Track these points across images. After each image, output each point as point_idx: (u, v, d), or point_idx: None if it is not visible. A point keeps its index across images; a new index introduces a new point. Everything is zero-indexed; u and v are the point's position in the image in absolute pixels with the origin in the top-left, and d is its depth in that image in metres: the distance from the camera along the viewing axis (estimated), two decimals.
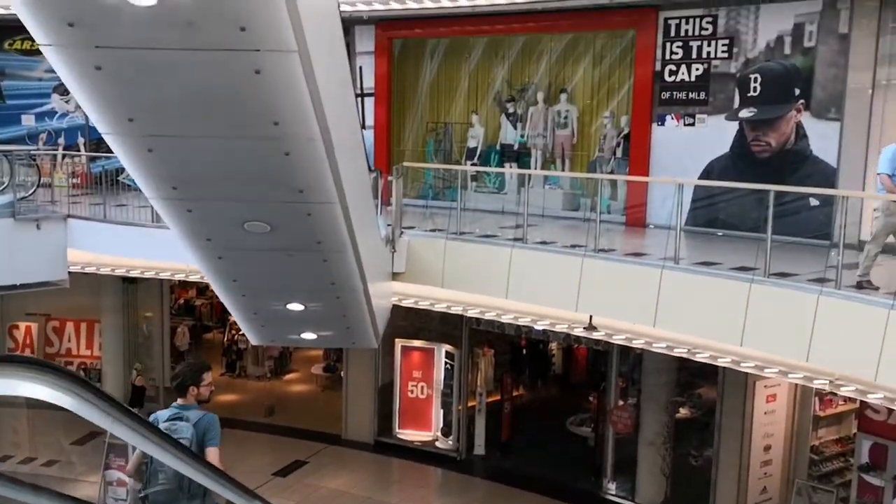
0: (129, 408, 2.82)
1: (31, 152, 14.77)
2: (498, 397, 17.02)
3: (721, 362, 10.30)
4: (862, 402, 11.83)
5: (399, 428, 17.08)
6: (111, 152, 5.27)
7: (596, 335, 11.16)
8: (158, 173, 5.49)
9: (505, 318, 12.33)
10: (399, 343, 16.86)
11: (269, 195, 5.84)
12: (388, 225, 10.85)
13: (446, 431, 16.67)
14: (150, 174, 5.52)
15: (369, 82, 15.01)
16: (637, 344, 11.14)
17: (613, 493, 14.72)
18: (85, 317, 19.16)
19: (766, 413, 13.14)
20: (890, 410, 11.41)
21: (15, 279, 12.09)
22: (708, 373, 13.94)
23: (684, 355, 10.59)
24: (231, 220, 6.24)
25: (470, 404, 16.55)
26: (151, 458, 5.50)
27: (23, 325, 19.27)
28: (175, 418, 5.96)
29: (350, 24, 14.21)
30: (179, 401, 6.15)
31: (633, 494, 14.41)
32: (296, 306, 8.12)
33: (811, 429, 13.47)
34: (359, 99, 14.81)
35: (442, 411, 16.79)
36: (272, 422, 17.91)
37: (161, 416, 6.13)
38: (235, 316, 8.91)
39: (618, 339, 11.30)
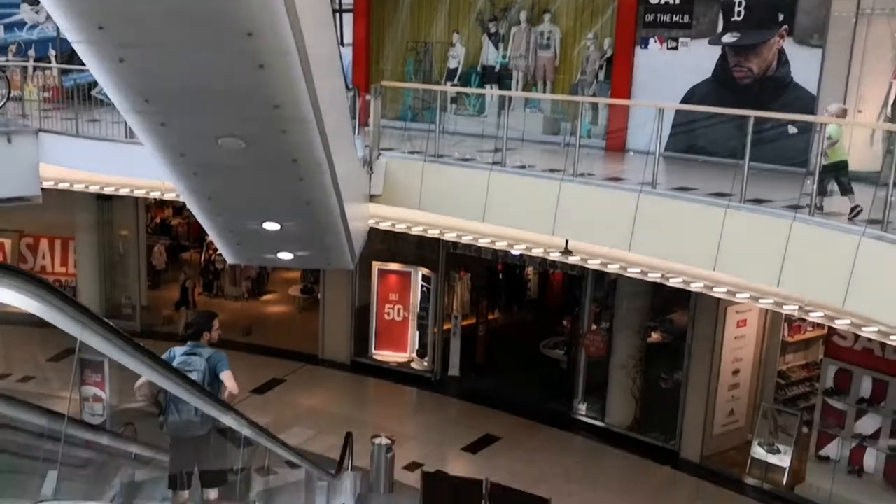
0: (99, 316, 2.81)
1: (0, 64, 14.39)
2: (473, 321, 17.20)
3: (694, 287, 10.43)
4: (829, 328, 12.08)
5: (375, 349, 17.27)
6: (83, 66, 5.15)
7: (571, 260, 11.24)
8: (130, 85, 5.38)
9: (482, 242, 12.36)
10: (376, 266, 16.91)
11: (243, 110, 5.75)
12: (366, 146, 10.75)
13: (422, 353, 16.88)
14: (122, 86, 5.40)
15: None
16: (612, 269, 11.24)
17: (584, 414, 15.06)
18: (59, 234, 19.01)
19: (735, 338, 13.38)
20: (856, 336, 11.65)
21: None
22: (681, 298, 14.12)
23: (658, 280, 10.71)
24: (205, 135, 6.15)
25: (445, 327, 16.72)
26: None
27: None
28: (189, 354, 6.81)
29: None
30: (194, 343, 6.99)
31: (604, 416, 14.75)
32: (272, 225, 8.09)
33: (779, 354, 13.77)
34: (337, 14, 14.48)
35: (418, 333, 16.97)
36: (250, 341, 18.00)
37: (177, 351, 6.87)
38: (211, 235, 8.87)
39: (593, 264, 11.39)
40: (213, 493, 6.87)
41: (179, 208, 23.13)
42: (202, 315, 7.38)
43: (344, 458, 11.88)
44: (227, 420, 5.91)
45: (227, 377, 6.76)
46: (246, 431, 6.08)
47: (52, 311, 2.42)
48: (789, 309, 9.86)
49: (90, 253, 18.58)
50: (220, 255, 19.93)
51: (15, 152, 11.90)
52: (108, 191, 14.76)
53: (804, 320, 12.77)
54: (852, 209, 7.85)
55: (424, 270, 16.66)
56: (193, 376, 6.44)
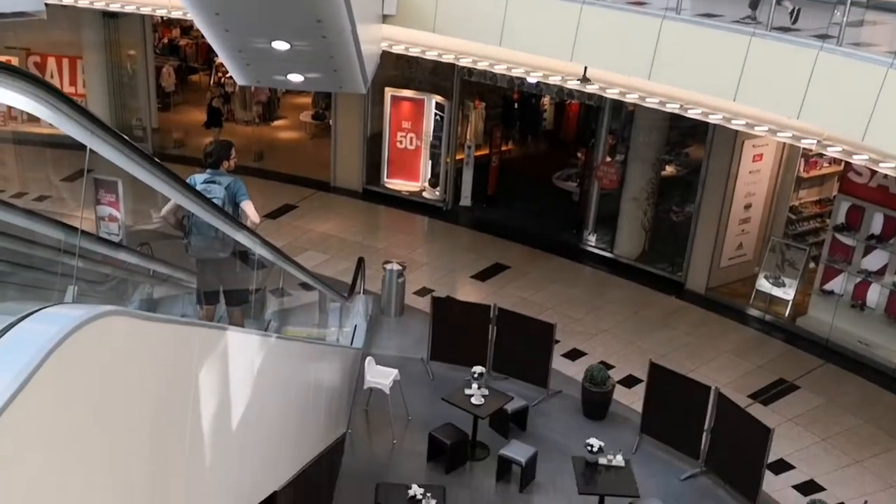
0: (111, 127, 2.76)
1: None
2: (486, 151, 17.08)
3: (712, 119, 10.22)
4: (846, 164, 11.95)
5: (387, 177, 17.26)
6: None
7: (589, 88, 10.97)
8: None
9: (497, 69, 12.03)
10: (389, 92, 16.60)
11: None
12: None
13: (433, 182, 16.88)
14: None
15: None
16: (630, 98, 10.98)
17: (593, 245, 15.22)
18: (67, 53, 18.64)
19: (750, 172, 13.28)
20: (872, 173, 11.54)
21: None
22: (697, 132, 13.92)
23: (676, 111, 10.48)
24: None
25: (458, 157, 16.63)
26: (191, 213, 6.30)
27: (2, 59, 18.75)
28: (209, 182, 6.98)
29: None
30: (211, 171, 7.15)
31: (612, 247, 14.91)
32: (281, 44, 7.86)
33: (793, 189, 13.71)
34: None
35: (430, 162, 16.89)
36: (261, 166, 18.01)
37: (197, 178, 6.99)
38: (220, 54, 8.64)
39: (611, 94, 11.12)
40: (235, 311, 7.14)
41: (187, 28, 22.52)
42: (220, 144, 7.46)
43: (356, 282, 12.19)
44: (241, 238, 6.02)
45: (247, 206, 7.01)
46: (260, 251, 6.18)
47: (61, 119, 2.36)
48: (807, 143, 9.69)
49: (98, 73, 18.27)
50: (230, 77, 19.68)
51: None
52: (112, 7, 14.30)
53: (822, 155, 12.62)
54: None
55: (438, 98, 16.36)
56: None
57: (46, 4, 12.32)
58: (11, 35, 17.73)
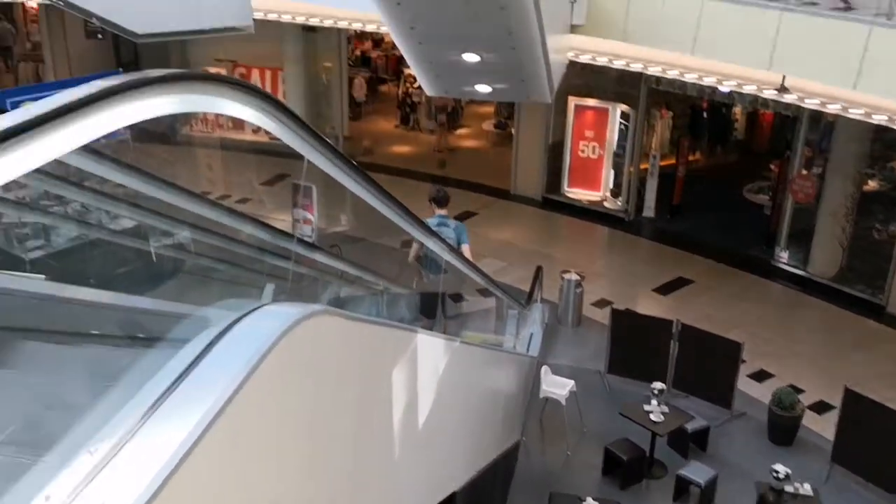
0: (324, 137, 2.94)
1: None
2: (672, 161, 16.65)
3: None
4: None
5: (568, 186, 17.19)
6: None
7: (787, 98, 10.46)
8: None
9: (688, 77, 11.71)
10: (572, 101, 16.54)
11: None
12: None
13: (616, 192, 16.65)
14: None
15: None
16: (832, 109, 10.37)
17: (785, 261, 14.45)
18: (269, 65, 19.88)
19: None
20: None
21: (203, 23, 12.51)
22: None
23: (884, 123, 9.80)
24: None
25: (642, 166, 16.31)
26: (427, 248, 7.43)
27: (212, 71, 20.25)
28: (441, 224, 8.44)
29: None
30: (441, 212, 8.82)
31: (806, 264, 14.10)
32: (471, 56, 8.02)
33: None
34: None
35: (613, 172, 16.67)
36: (443, 174, 18.42)
37: (431, 222, 8.21)
38: (411, 65, 8.94)
39: (811, 104, 10.55)
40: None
41: (379, 41, 23.46)
42: (446, 191, 9.11)
43: (534, 290, 12.22)
44: (464, 270, 7.17)
45: (467, 249, 8.44)
46: (447, 257, 6.40)
47: (284, 131, 2.55)
48: None
49: (297, 83, 19.36)
50: (417, 88, 20.30)
51: None
52: (312, 22, 15.15)
53: None
54: None
55: (623, 107, 16.13)
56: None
57: (253, 19, 13.22)
58: (220, 48, 19.13)
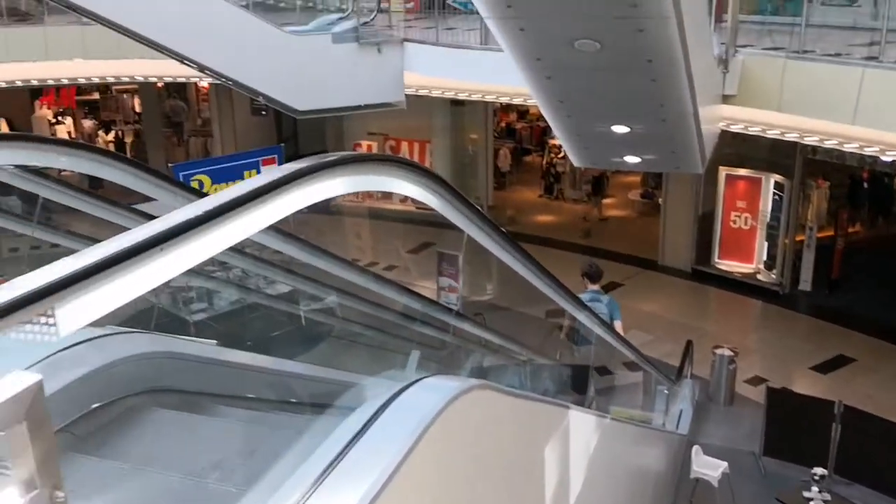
0: (486, 215, 3.03)
1: None
2: (831, 233, 15.88)
3: None
4: None
5: (718, 258, 16.69)
6: None
7: None
8: None
9: (847, 147, 11.22)
10: (723, 171, 16.17)
11: (602, 10, 5.69)
12: (721, 43, 10.14)
13: (769, 265, 16.01)
14: None
15: None
16: None
17: None
18: (417, 137, 20.57)
19: None
20: None
21: (360, 100, 13.15)
22: None
23: None
24: (562, 38, 6.20)
25: (798, 238, 15.64)
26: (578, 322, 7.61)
27: (364, 144, 21.12)
28: (594, 300, 8.63)
29: None
30: (594, 287, 9.12)
31: None
32: (620, 128, 8.03)
33: None
34: None
35: (766, 243, 16.07)
36: (588, 243, 18.30)
37: (584, 297, 8.23)
38: (559, 137, 9.04)
39: None
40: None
41: (523, 112, 23.85)
42: (599, 266, 9.45)
43: (684, 366, 11.84)
44: (617, 346, 7.31)
45: (618, 326, 8.57)
46: (598, 331, 6.35)
47: (446, 207, 2.65)
48: None
49: (444, 155, 19.92)
50: (562, 158, 20.43)
51: (384, 61, 12.94)
52: (461, 96, 15.60)
53: None
54: None
55: (777, 177, 15.61)
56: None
57: (405, 95, 13.78)
58: (373, 122, 19.98)
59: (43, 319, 1.22)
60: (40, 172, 3.52)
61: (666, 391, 10.58)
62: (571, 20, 5.91)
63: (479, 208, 2.98)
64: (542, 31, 6.19)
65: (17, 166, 3.06)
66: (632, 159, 9.12)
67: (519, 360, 8.05)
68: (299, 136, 22.45)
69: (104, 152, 3.71)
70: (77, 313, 1.28)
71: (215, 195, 1.62)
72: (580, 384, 7.97)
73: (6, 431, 1.05)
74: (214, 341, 3.72)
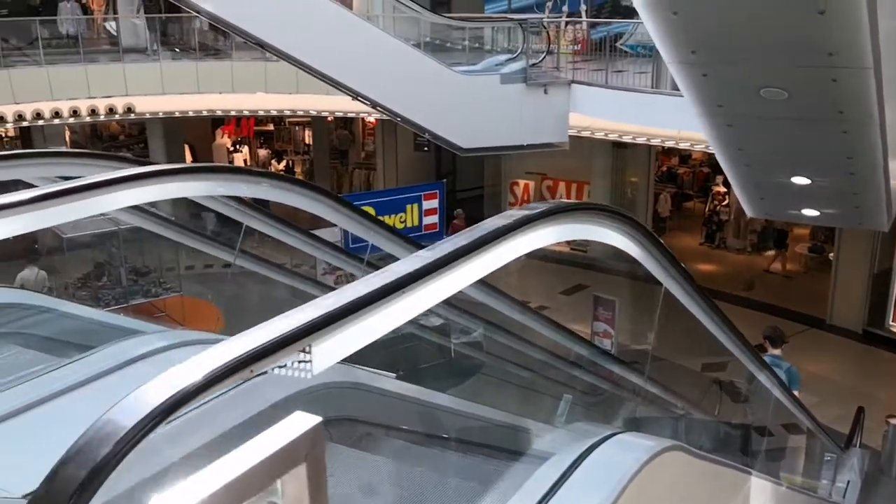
0: (686, 269, 2.95)
1: (541, 20, 15.73)
2: None
3: None
4: None
5: (893, 320, 15.59)
6: (610, 19, 5.42)
7: None
8: (680, 38, 5.47)
9: None
10: None
11: (793, 59, 5.49)
12: None
13: None
14: (670, 38, 5.52)
15: None
16: None
17: None
18: (575, 178, 20.43)
19: None
20: None
21: (524, 140, 13.24)
22: None
23: None
24: (747, 86, 6.03)
25: None
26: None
27: (522, 182, 21.21)
28: (774, 364, 7.94)
29: None
30: (775, 352, 8.89)
31: None
32: (802, 180, 7.69)
33: None
34: None
35: None
36: (750, 296, 17.53)
37: (767, 359, 8.02)
38: (734, 185, 8.75)
39: None
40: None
41: (686, 157, 23.27)
42: (780, 329, 9.13)
43: (854, 434, 11.08)
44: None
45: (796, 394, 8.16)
46: (776, 393, 6.07)
47: (647, 257, 2.60)
48: None
49: (602, 197, 19.63)
50: (726, 206, 19.75)
51: (550, 102, 13.00)
52: (625, 139, 15.42)
53: None
54: None
55: None
56: None
57: (568, 136, 13.76)
58: (532, 161, 20.03)
59: (301, 356, 1.27)
60: (243, 201, 3.73)
61: (833, 459, 9.92)
62: (760, 68, 5.73)
63: (681, 262, 2.90)
64: (727, 77, 6.04)
65: (229, 197, 3.25)
66: (810, 213, 8.70)
67: (676, 413, 7.77)
68: (457, 173, 22.82)
69: (320, 191, 3.94)
70: (331, 351, 1.33)
71: (445, 241, 1.66)
72: (742, 444, 7.62)
73: (288, 474, 1.09)
74: (393, 374, 3.79)
